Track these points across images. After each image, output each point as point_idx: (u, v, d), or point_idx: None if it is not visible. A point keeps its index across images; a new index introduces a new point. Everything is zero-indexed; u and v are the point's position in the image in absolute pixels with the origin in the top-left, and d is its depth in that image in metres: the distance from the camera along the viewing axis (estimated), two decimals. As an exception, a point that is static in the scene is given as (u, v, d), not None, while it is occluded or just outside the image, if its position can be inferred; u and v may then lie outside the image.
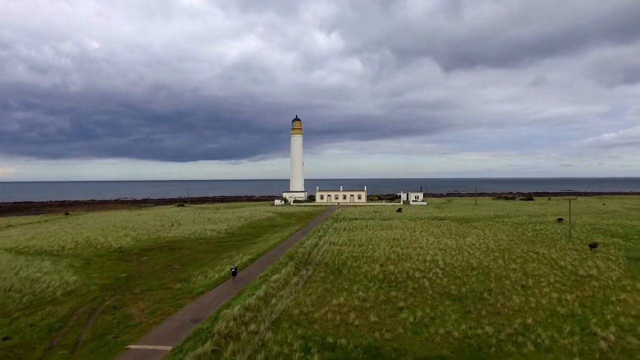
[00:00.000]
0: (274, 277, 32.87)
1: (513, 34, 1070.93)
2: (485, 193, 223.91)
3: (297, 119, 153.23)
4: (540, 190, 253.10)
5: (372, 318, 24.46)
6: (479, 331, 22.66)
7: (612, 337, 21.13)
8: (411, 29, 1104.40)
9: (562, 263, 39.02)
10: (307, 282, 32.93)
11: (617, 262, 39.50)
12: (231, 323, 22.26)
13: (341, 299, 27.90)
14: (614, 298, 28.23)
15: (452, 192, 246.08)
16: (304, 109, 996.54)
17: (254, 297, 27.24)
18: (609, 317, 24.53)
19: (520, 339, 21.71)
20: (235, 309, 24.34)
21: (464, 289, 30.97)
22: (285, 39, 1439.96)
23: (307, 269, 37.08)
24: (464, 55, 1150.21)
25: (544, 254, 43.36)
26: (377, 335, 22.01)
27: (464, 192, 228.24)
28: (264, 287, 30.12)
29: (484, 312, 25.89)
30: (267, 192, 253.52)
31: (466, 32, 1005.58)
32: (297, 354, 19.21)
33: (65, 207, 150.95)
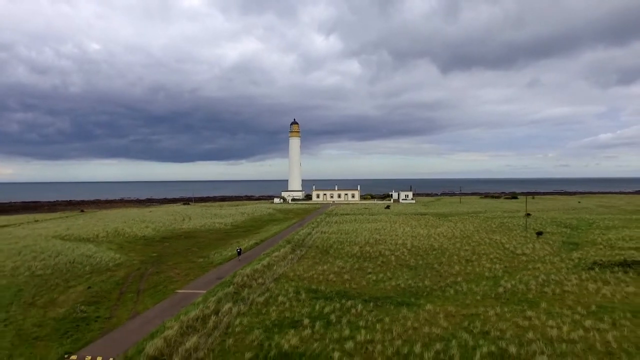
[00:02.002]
0: (274, 254, 42.35)
1: (509, 35, 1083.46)
2: (477, 192, 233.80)
3: (295, 123, 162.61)
4: (533, 190, 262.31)
5: (346, 277, 33.91)
6: (420, 284, 32.08)
7: (508, 286, 30.53)
8: (409, 31, 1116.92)
9: (507, 245, 48.41)
10: (300, 258, 42.32)
11: (553, 245, 48.88)
12: (245, 278, 31.73)
13: (325, 267, 37.34)
14: (530, 267, 37.65)
15: (447, 192, 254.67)
16: (302, 110, 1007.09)
17: (260, 265, 36.74)
18: (517, 277, 33.91)
19: (447, 288, 31.06)
20: (248, 270, 33.94)
21: (421, 262, 40.38)
22: (284, 41, 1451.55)
23: (301, 250, 46.47)
24: (460, 57, 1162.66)
25: (496, 239, 52.76)
26: (347, 285, 31.46)
27: (458, 192, 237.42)
28: (267, 259, 39.62)
29: (429, 275, 35.29)
30: (267, 192, 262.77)
31: (463, 34, 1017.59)
32: (290, 294, 28.55)
33: (74, 205, 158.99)
